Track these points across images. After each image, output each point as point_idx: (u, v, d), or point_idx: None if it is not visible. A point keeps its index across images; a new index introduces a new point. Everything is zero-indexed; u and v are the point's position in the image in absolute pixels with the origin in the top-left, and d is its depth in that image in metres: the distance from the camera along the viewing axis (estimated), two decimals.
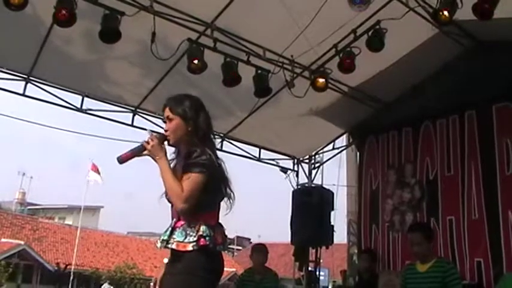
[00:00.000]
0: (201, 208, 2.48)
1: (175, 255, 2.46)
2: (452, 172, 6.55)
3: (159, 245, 2.52)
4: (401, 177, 7.20)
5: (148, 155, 2.56)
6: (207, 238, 2.43)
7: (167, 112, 2.66)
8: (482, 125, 6.37)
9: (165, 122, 2.69)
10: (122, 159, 2.58)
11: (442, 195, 6.60)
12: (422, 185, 6.89)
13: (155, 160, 2.54)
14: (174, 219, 2.53)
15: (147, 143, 2.56)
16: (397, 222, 7.01)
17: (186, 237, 2.43)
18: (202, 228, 2.44)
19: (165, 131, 2.66)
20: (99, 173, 26.93)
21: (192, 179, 2.44)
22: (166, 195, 2.60)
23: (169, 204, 2.59)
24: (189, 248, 2.41)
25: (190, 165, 2.47)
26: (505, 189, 5.92)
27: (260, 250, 6.03)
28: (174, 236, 2.46)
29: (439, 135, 6.82)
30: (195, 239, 2.41)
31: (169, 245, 2.45)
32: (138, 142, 2.63)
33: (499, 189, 5.96)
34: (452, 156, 6.58)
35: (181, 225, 2.47)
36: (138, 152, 2.59)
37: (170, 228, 2.50)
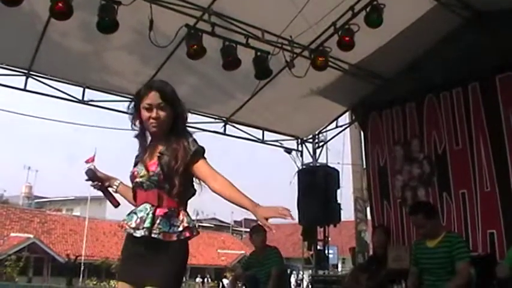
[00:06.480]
0: (188, 196, 2.51)
1: (157, 243, 2.37)
2: (460, 146, 6.52)
3: (140, 232, 2.37)
4: (408, 153, 7.16)
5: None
6: (192, 229, 2.45)
7: (158, 99, 2.47)
8: (486, 97, 6.31)
9: (147, 108, 2.48)
10: None
11: (453, 169, 6.58)
12: (431, 160, 6.85)
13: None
14: (150, 205, 2.41)
15: None
16: (409, 198, 7.00)
17: (170, 228, 2.40)
18: (187, 219, 2.44)
19: (155, 118, 2.47)
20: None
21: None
22: (132, 178, 2.53)
23: (139, 189, 2.51)
24: (174, 238, 2.40)
25: (199, 151, 2.48)
26: None
27: (258, 231, 6.12)
28: (159, 226, 2.37)
29: (444, 109, 6.77)
30: (181, 229, 2.41)
31: (153, 235, 2.37)
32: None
33: (509, 160, 5.94)
34: (459, 129, 6.55)
35: (165, 213, 2.39)
36: None
37: (151, 215, 2.38)
